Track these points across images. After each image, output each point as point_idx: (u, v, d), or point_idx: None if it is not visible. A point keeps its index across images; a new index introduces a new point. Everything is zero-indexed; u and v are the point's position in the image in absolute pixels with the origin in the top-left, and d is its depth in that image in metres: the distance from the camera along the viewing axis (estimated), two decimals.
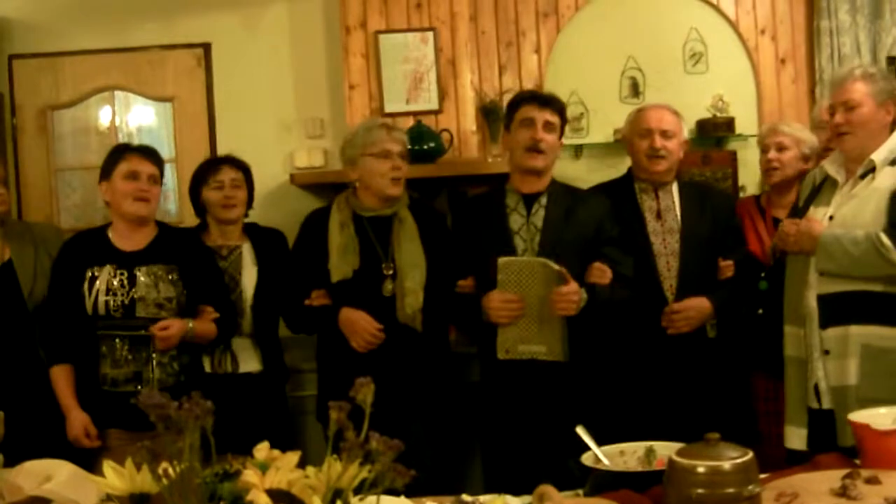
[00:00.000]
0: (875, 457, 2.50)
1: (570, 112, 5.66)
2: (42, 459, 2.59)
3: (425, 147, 5.24)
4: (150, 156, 4.06)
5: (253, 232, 4.45)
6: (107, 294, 3.89)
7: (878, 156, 3.63)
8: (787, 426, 3.77)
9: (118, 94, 5.83)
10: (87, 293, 3.90)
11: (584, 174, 5.50)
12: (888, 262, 3.46)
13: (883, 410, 2.65)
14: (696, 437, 2.15)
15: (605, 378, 4.01)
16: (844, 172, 3.73)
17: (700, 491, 2.02)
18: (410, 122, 5.41)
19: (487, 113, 5.42)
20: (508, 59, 5.67)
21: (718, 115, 5.65)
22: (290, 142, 5.75)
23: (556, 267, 3.72)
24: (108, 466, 1.85)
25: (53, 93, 5.76)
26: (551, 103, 4.06)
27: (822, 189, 3.79)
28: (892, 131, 3.71)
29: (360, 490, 1.74)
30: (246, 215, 4.49)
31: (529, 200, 4.00)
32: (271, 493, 1.80)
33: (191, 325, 3.94)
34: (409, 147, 5.14)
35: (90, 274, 3.92)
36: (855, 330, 3.57)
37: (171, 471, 1.65)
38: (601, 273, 3.88)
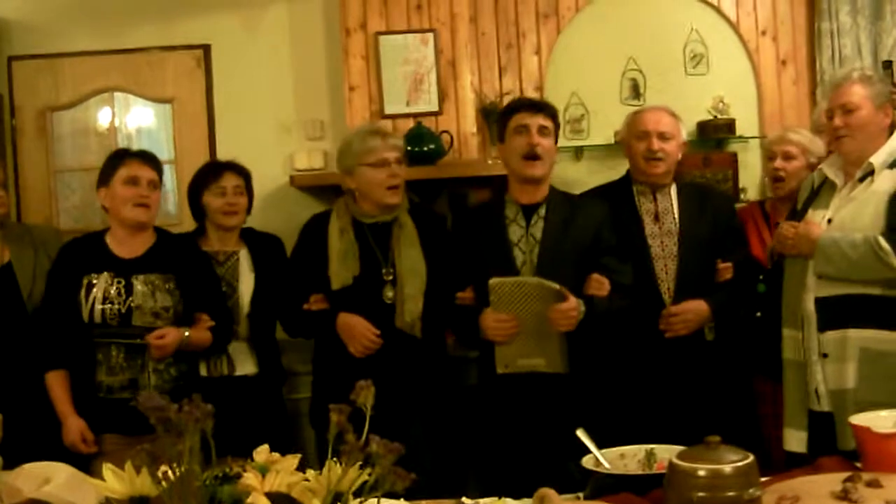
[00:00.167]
0: (876, 460, 2.49)
1: (571, 113, 5.69)
2: (41, 462, 2.59)
3: (425, 149, 5.23)
4: (150, 161, 4.05)
5: (250, 237, 4.44)
6: (104, 302, 3.88)
7: (877, 159, 3.63)
8: (785, 429, 3.77)
9: (118, 95, 5.83)
10: (84, 300, 3.89)
11: (585, 176, 5.51)
12: (886, 266, 3.46)
13: (884, 413, 2.65)
14: (696, 440, 2.14)
15: (606, 386, 3.99)
16: (843, 175, 3.73)
17: (701, 494, 2.02)
18: (410, 123, 5.41)
19: (487, 114, 5.42)
20: (509, 61, 5.67)
21: (719, 116, 5.65)
22: (290, 143, 5.75)
23: (554, 286, 3.70)
24: (107, 469, 1.85)
25: (53, 94, 5.75)
26: (544, 108, 4.05)
27: (821, 192, 3.79)
28: (890, 134, 3.70)
29: (360, 493, 1.74)
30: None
31: (528, 211, 3.98)
32: (271, 496, 1.80)
33: (186, 333, 3.92)
34: (410, 148, 5.16)
35: (87, 281, 3.91)
36: (853, 333, 3.56)
37: (170, 474, 1.64)
38: (599, 285, 3.85)
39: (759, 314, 4.27)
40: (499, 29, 5.67)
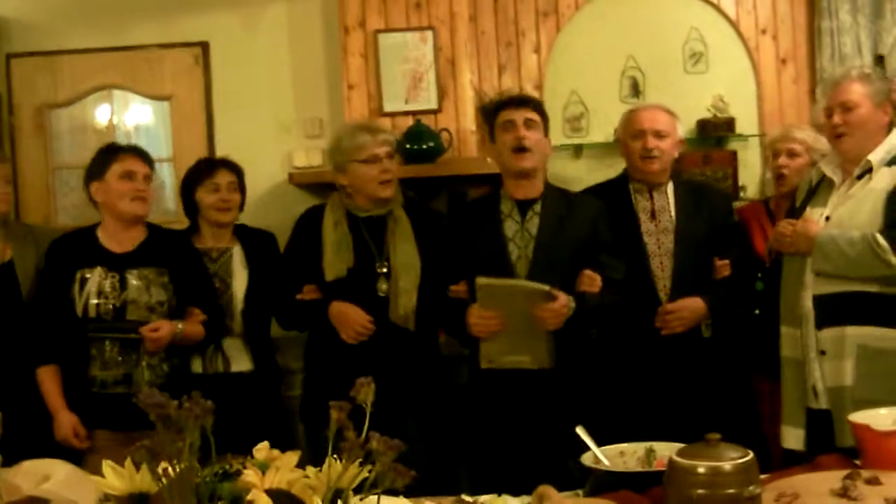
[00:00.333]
0: (875, 457, 2.50)
1: (570, 112, 5.69)
2: (40, 459, 2.59)
3: (424, 147, 5.24)
4: (143, 155, 4.07)
5: (243, 234, 4.44)
6: (98, 297, 3.88)
7: (875, 156, 3.63)
8: (783, 426, 3.78)
9: (116, 92, 5.83)
10: (77, 295, 3.89)
11: (584, 174, 5.51)
12: (884, 263, 3.47)
13: (883, 411, 2.65)
14: (696, 437, 2.14)
15: (595, 381, 4.00)
16: (841, 173, 3.73)
17: (700, 491, 2.02)
18: (409, 121, 5.41)
19: (487, 113, 5.42)
20: (508, 59, 5.67)
21: (718, 114, 5.65)
22: (289, 141, 5.75)
23: (543, 288, 3.70)
24: (107, 466, 1.84)
25: (51, 92, 5.75)
26: (529, 102, 4.06)
27: (819, 189, 3.80)
28: (888, 132, 3.71)
29: (360, 490, 1.73)
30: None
31: (524, 207, 3.98)
32: (271, 493, 1.80)
33: (180, 326, 3.93)
34: (408, 146, 5.17)
35: (80, 276, 3.91)
36: (851, 331, 3.57)
37: (170, 470, 1.64)
38: (591, 281, 3.86)
39: (757, 312, 4.27)
40: (498, 27, 5.67)
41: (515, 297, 3.72)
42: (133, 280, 3.91)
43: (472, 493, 2.50)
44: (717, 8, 5.74)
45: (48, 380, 3.94)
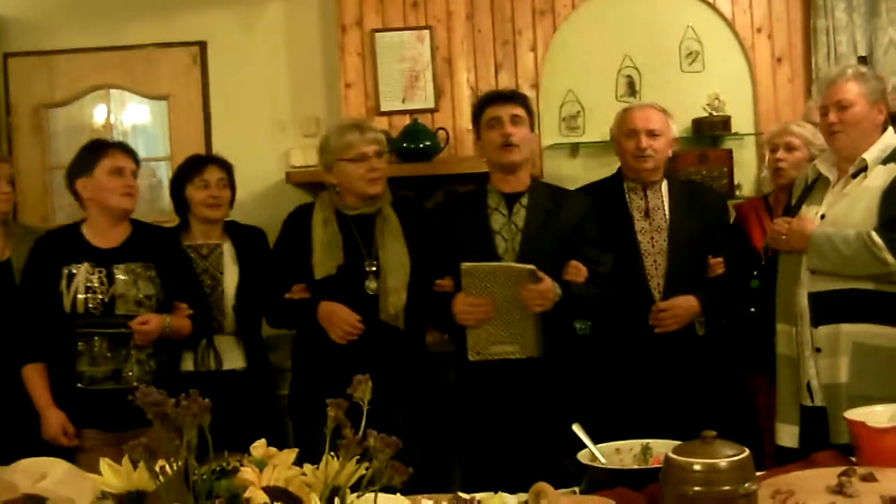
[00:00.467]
0: (871, 454, 2.50)
1: (566, 110, 5.70)
2: (37, 457, 2.59)
3: (421, 146, 5.24)
4: (130, 152, 4.09)
5: (233, 230, 4.44)
6: (86, 292, 3.88)
7: (870, 155, 3.65)
8: (778, 423, 3.79)
9: (113, 92, 5.83)
10: (65, 291, 3.89)
11: (581, 173, 5.52)
12: (879, 261, 3.48)
13: (879, 408, 2.66)
14: (692, 434, 2.15)
15: (583, 372, 4.02)
16: (836, 171, 3.74)
17: (696, 488, 2.02)
18: (406, 120, 5.42)
19: None
20: (504, 58, 5.67)
21: (714, 113, 5.66)
22: (286, 140, 5.74)
23: (528, 267, 3.71)
24: (104, 464, 1.85)
25: (48, 91, 5.75)
26: (513, 97, 4.07)
27: (815, 188, 3.81)
28: (883, 131, 3.72)
29: (357, 488, 1.74)
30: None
31: (511, 200, 3.99)
32: (268, 490, 1.80)
33: (168, 320, 3.94)
34: (405, 145, 5.18)
35: (67, 272, 3.91)
36: (846, 328, 3.58)
37: (167, 468, 1.65)
38: (576, 271, 3.87)
39: (753, 310, 4.28)
40: (495, 26, 5.67)
41: (500, 279, 3.72)
42: (120, 275, 3.92)
43: (464, 490, 2.51)
44: (713, 7, 5.75)
45: (34, 378, 3.93)
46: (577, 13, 5.75)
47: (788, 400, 3.74)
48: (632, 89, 5.73)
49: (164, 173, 5.73)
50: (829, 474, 2.39)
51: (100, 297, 3.88)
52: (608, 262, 3.99)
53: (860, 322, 3.56)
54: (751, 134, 5.72)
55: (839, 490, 2.27)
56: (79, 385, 3.88)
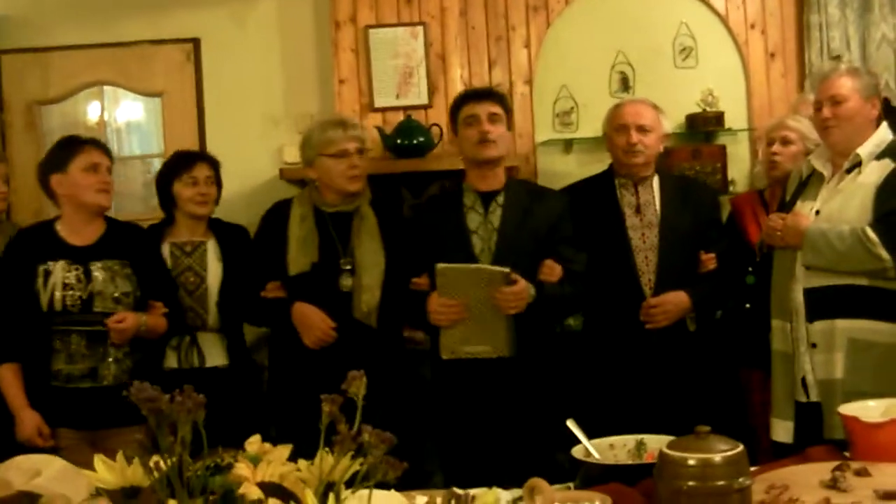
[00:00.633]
0: (865, 449, 2.50)
1: (560, 106, 5.71)
2: (31, 454, 2.58)
3: (415, 142, 5.25)
4: (104, 148, 4.08)
5: (217, 228, 4.42)
6: (63, 289, 3.85)
7: (864, 150, 3.64)
8: (772, 419, 3.79)
9: (107, 89, 5.83)
10: (41, 289, 3.86)
11: (575, 168, 5.52)
12: (874, 257, 3.48)
13: (872, 403, 2.66)
14: (685, 431, 2.15)
15: (559, 369, 4.03)
16: (831, 167, 3.74)
17: (690, 483, 2.02)
18: (400, 116, 5.42)
19: None
20: (498, 54, 5.67)
21: (708, 109, 5.67)
22: (280, 137, 5.75)
23: (503, 269, 3.72)
24: (98, 460, 1.85)
25: (42, 88, 5.74)
26: (491, 95, 4.07)
27: (809, 183, 3.80)
28: (877, 126, 3.72)
29: (351, 483, 1.74)
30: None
31: (486, 199, 3.99)
32: (263, 486, 1.80)
33: (144, 319, 3.92)
34: (399, 141, 5.18)
35: (43, 269, 3.88)
36: (841, 324, 3.58)
37: (162, 464, 1.65)
38: (550, 271, 3.89)
39: (748, 305, 4.29)
40: (488, 22, 5.67)
41: (475, 281, 3.73)
42: (98, 272, 3.89)
43: (445, 487, 2.51)
44: (707, 3, 5.76)
45: (8, 378, 3.89)
46: (570, 9, 5.76)
47: (783, 396, 3.74)
48: (625, 85, 5.74)
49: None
50: (822, 469, 2.39)
51: (78, 293, 3.85)
52: (582, 261, 4.00)
53: (855, 318, 3.57)
54: (744, 129, 5.73)
55: (833, 485, 2.27)
56: (54, 383, 3.85)
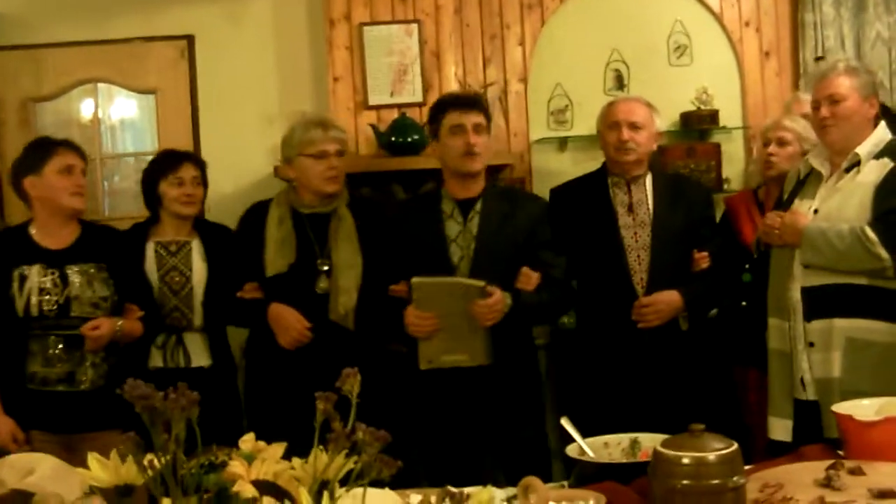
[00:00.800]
0: (858, 448, 2.50)
1: (555, 104, 5.71)
2: (25, 453, 2.58)
3: (409, 139, 5.24)
4: (78, 150, 4.04)
5: (202, 228, 4.41)
6: (40, 294, 3.82)
7: (863, 149, 3.64)
8: (770, 417, 3.78)
9: (101, 86, 5.81)
10: (17, 294, 3.82)
11: (569, 167, 5.52)
12: (873, 256, 3.47)
13: (866, 402, 2.66)
14: (678, 430, 2.15)
15: (534, 376, 4.07)
16: (829, 166, 3.73)
17: (685, 482, 2.03)
18: (395, 114, 5.41)
19: None
20: (493, 52, 5.67)
21: (703, 107, 5.67)
22: (274, 135, 5.67)
23: (478, 284, 3.73)
24: (92, 458, 1.84)
25: (36, 85, 5.72)
26: (476, 105, 4.05)
27: (807, 182, 3.80)
28: (875, 125, 3.72)
29: (346, 481, 1.74)
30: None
31: (465, 206, 3.98)
32: (257, 484, 1.80)
33: (119, 323, 3.90)
34: (394, 139, 5.18)
35: (18, 274, 3.84)
36: (839, 323, 3.57)
37: (156, 462, 1.64)
38: (527, 279, 3.88)
39: (744, 304, 4.28)
40: (483, 20, 5.67)
41: (451, 294, 3.75)
42: (74, 276, 3.86)
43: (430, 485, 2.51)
44: (701, 1, 5.76)
45: None
46: (565, 7, 5.76)
47: (781, 394, 3.73)
48: (620, 83, 5.74)
49: None
50: (817, 468, 2.39)
51: (55, 298, 3.82)
52: (562, 266, 4.01)
53: (853, 317, 3.56)
54: (739, 128, 5.73)
55: (827, 483, 2.28)
56: (30, 386, 3.82)
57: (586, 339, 4.23)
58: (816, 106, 3.73)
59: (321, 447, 1.77)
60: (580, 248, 4.11)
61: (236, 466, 1.83)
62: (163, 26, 5.73)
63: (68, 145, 4.02)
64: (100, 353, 3.87)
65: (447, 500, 1.82)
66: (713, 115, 5.65)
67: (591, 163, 4.98)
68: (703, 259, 4.12)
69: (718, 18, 5.77)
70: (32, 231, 3.96)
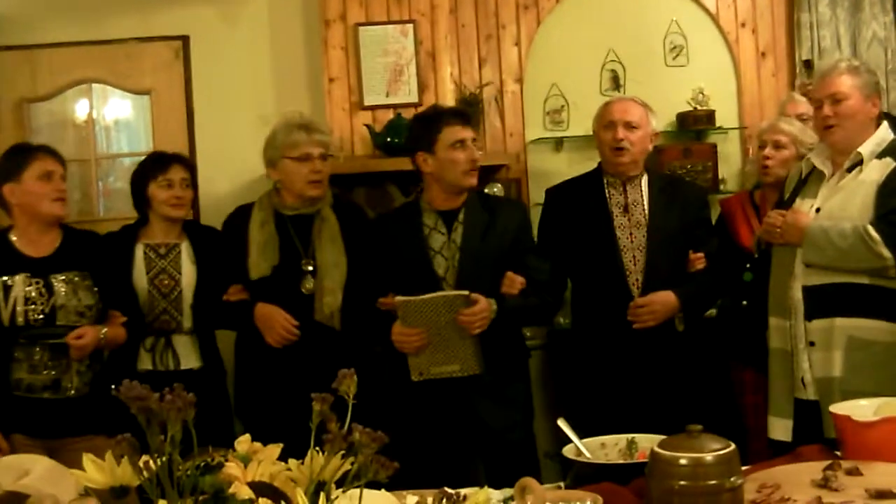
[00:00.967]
0: (856, 448, 2.50)
1: (551, 105, 5.70)
2: (19, 454, 2.57)
3: (405, 140, 5.23)
4: (57, 155, 4.02)
5: (192, 230, 4.41)
6: (25, 304, 3.80)
7: (866, 149, 3.63)
8: (770, 417, 3.78)
9: (95, 86, 5.80)
10: (2, 304, 3.80)
11: (565, 167, 5.53)
12: (875, 255, 3.47)
13: (864, 402, 2.66)
14: (674, 431, 2.14)
15: (522, 381, 4.07)
16: (831, 165, 3.73)
17: (682, 483, 2.02)
18: (390, 114, 5.41)
19: (467, 105, 5.41)
20: (488, 52, 5.67)
21: (699, 108, 5.67)
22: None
23: (462, 294, 3.74)
24: (87, 459, 1.83)
25: (30, 86, 5.71)
26: (470, 119, 4.10)
27: (809, 181, 3.79)
28: (878, 124, 3.71)
29: (342, 482, 1.73)
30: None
31: (448, 217, 3.97)
32: (254, 485, 1.79)
33: (104, 331, 3.88)
34: (389, 140, 5.17)
35: (1, 284, 3.82)
36: (840, 322, 3.57)
37: (152, 464, 1.63)
38: (511, 283, 3.89)
39: (745, 303, 4.28)
40: (479, 20, 5.67)
41: (436, 308, 3.75)
42: (59, 285, 3.85)
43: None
44: (697, 1, 5.77)
45: None
46: (560, 7, 5.76)
47: (781, 393, 3.73)
48: (616, 83, 5.74)
49: None
50: (814, 468, 2.39)
51: (41, 308, 3.81)
52: (547, 270, 4.02)
53: (854, 316, 3.56)
54: (735, 128, 5.74)
55: (824, 484, 2.28)
56: (15, 393, 3.80)
57: (582, 340, 4.24)
58: (818, 105, 3.72)
59: (317, 448, 1.76)
60: (575, 249, 4.11)
61: (232, 468, 1.82)
62: (158, 27, 5.73)
63: (47, 151, 4.00)
64: (85, 360, 3.86)
65: (444, 500, 1.81)
66: (709, 116, 5.65)
67: (587, 163, 4.98)
68: (698, 260, 4.13)
69: (714, 19, 5.78)
70: (13, 238, 3.94)
